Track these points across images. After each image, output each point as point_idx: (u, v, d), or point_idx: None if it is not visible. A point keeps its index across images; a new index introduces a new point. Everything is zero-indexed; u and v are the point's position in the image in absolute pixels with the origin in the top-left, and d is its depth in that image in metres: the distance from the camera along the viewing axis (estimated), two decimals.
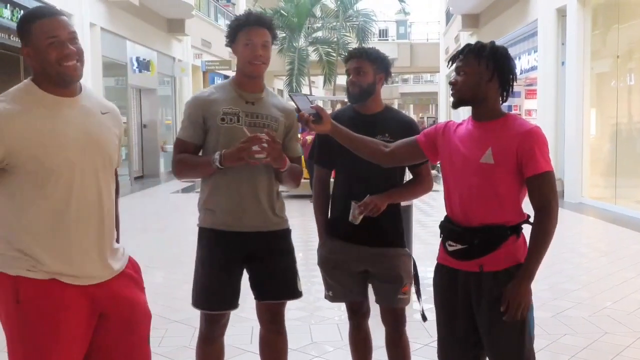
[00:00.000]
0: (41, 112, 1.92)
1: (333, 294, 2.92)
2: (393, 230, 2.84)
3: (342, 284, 2.86)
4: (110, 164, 2.11)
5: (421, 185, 2.86)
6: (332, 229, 2.90)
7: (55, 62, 1.91)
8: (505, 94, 2.29)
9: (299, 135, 2.90)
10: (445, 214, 2.41)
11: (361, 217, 2.69)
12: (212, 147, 2.63)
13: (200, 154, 2.70)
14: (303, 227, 7.97)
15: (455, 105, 2.33)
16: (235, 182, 2.61)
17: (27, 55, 1.95)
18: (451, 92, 2.33)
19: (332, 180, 2.98)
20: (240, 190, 2.62)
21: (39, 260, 1.93)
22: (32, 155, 1.89)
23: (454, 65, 2.32)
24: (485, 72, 2.23)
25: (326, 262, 2.89)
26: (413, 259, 2.87)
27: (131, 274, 2.17)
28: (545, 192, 2.19)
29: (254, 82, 2.70)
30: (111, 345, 2.07)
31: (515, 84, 2.31)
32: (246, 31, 2.61)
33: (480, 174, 2.23)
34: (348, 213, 2.74)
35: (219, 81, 23.76)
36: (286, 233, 2.77)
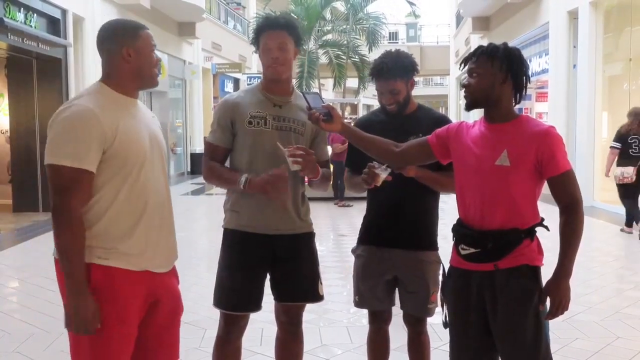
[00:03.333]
0: (118, 109, 2.11)
1: (360, 300, 2.91)
2: (426, 232, 2.83)
3: (371, 292, 2.85)
4: (166, 162, 2.32)
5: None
6: (366, 234, 2.89)
7: (153, 66, 2.19)
8: (518, 95, 2.28)
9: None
10: (455, 216, 2.40)
11: (382, 176, 2.57)
12: (239, 150, 2.66)
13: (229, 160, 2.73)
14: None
15: (469, 107, 2.31)
16: None
17: (126, 55, 2.13)
18: (464, 94, 2.31)
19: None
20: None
21: (114, 247, 2.06)
22: (119, 149, 2.05)
23: (467, 67, 2.30)
24: (498, 74, 2.22)
25: (362, 270, 2.87)
26: (442, 265, 2.84)
27: (174, 267, 2.35)
28: (570, 190, 2.20)
29: (281, 86, 2.71)
30: (158, 331, 2.23)
31: (529, 84, 2.29)
32: (264, 35, 2.64)
33: (495, 177, 2.22)
34: (381, 219, 2.77)
35: (229, 83, 23.79)
36: (310, 236, 2.78)
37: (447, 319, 2.68)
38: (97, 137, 2.00)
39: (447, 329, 2.44)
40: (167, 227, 2.24)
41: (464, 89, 2.30)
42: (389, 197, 2.77)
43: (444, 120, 2.83)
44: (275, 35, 2.62)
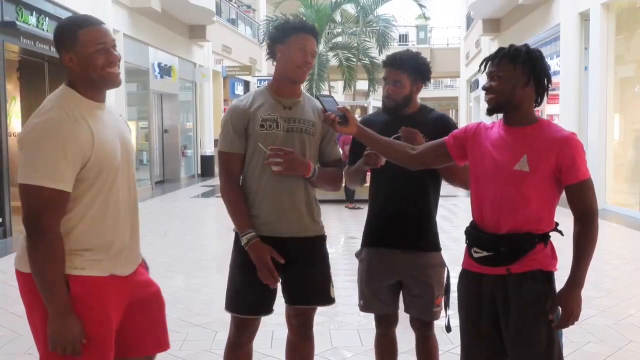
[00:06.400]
0: (93, 120, 2.02)
1: (364, 304, 2.91)
2: (427, 232, 2.81)
3: (376, 296, 2.86)
4: (134, 164, 2.25)
5: (466, 173, 2.60)
6: (369, 236, 2.89)
7: (100, 67, 2.01)
8: (539, 99, 2.25)
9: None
10: (465, 218, 2.38)
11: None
12: (250, 153, 2.65)
13: None
14: None
15: (491, 112, 2.27)
16: (274, 188, 2.62)
17: (69, 61, 2.02)
18: (485, 98, 2.28)
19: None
20: (278, 196, 2.63)
21: (90, 258, 2.03)
22: (96, 162, 1.99)
23: (487, 69, 2.26)
24: (520, 78, 2.19)
25: (366, 274, 2.87)
26: (447, 269, 2.83)
27: (143, 263, 2.36)
28: (587, 199, 2.17)
29: (292, 88, 2.70)
30: (137, 326, 2.21)
31: (550, 87, 2.25)
32: (301, 36, 2.62)
33: (513, 181, 2.19)
34: (383, 219, 2.78)
35: (239, 86, 23.78)
36: (322, 239, 2.77)
37: (450, 322, 2.68)
38: (74, 154, 1.93)
39: (458, 332, 2.42)
40: (136, 233, 2.21)
41: (485, 92, 2.27)
42: (391, 196, 2.77)
43: (444, 119, 2.84)
44: (313, 41, 2.64)
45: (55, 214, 1.93)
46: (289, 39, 2.62)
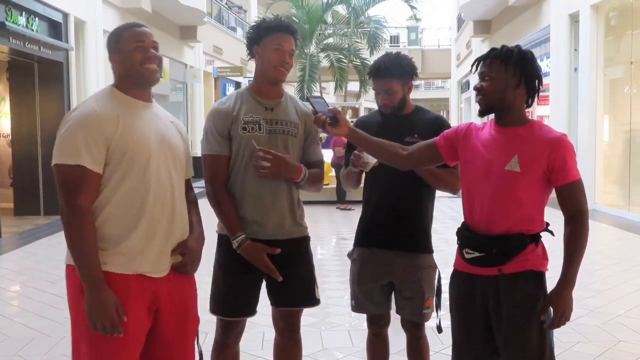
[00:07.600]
0: (125, 112, 2.13)
1: (356, 304, 2.91)
2: (421, 233, 2.81)
3: (367, 297, 2.86)
4: (181, 168, 2.29)
5: (456, 178, 2.65)
6: (362, 236, 2.89)
7: (138, 63, 2.15)
8: (530, 100, 2.26)
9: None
10: (456, 219, 2.39)
11: (371, 163, 2.67)
12: (233, 156, 2.63)
13: None
14: (313, 234, 7.95)
15: (482, 113, 2.27)
16: (257, 190, 2.61)
17: (114, 61, 2.20)
18: (477, 98, 2.28)
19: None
20: (261, 198, 2.61)
21: (110, 249, 2.05)
22: (118, 147, 2.06)
23: (479, 70, 2.26)
24: (512, 79, 2.19)
25: (358, 275, 2.87)
26: (438, 271, 2.83)
27: (189, 278, 2.34)
28: (577, 200, 2.18)
29: (273, 88, 2.68)
30: (167, 340, 2.20)
31: (541, 88, 2.26)
32: (277, 36, 2.59)
33: (504, 181, 2.19)
34: (377, 219, 2.78)
35: (230, 87, 23.68)
36: (305, 241, 2.77)
37: (441, 323, 2.69)
38: (97, 135, 2.02)
39: (449, 333, 2.43)
40: (168, 232, 2.18)
41: (476, 92, 2.27)
42: (385, 197, 2.77)
43: (439, 121, 2.84)
44: (290, 40, 2.61)
45: (81, 190, 2.00)
46: (265, 39, 2.60)
